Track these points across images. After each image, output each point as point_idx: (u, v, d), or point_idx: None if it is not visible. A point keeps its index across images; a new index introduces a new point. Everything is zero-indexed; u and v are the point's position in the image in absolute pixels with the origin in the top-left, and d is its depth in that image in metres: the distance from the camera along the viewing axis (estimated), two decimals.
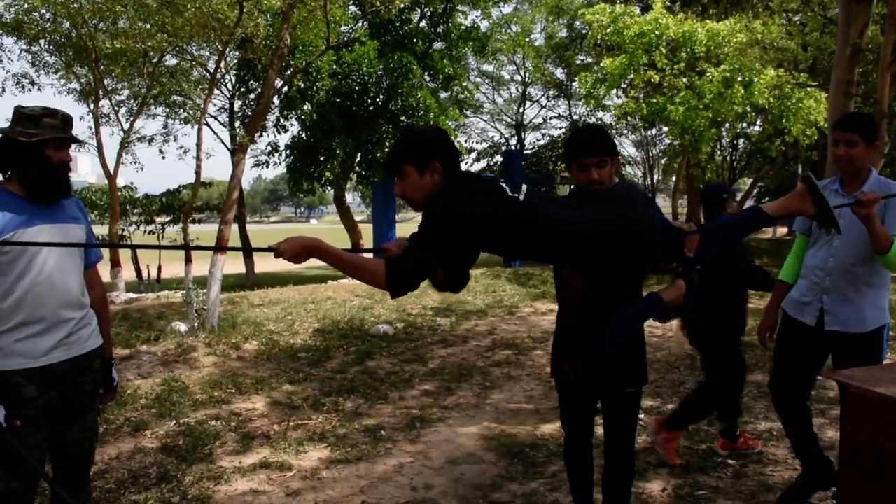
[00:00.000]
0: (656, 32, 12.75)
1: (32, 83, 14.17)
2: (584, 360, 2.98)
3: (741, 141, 24.64)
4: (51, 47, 13.47)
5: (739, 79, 12.62)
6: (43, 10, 11.90)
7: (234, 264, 19.56)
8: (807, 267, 3.66)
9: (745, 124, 18.02)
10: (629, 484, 3.09)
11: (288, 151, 18.05)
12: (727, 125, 17.35)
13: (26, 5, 11.68)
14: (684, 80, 13.33)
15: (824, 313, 3.51)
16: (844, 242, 3.42)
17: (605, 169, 2.88)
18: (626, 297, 2.83)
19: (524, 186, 2.49)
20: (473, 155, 31.33)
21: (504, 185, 2.47)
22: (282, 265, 24.10)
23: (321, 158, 17.35)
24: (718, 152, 24.35)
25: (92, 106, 14.19)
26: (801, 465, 3.88)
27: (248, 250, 3.76)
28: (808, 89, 13.33)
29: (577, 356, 3.01)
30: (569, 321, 3.08)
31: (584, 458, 3.20)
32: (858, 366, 3.17)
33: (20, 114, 2.80)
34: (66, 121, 2.85)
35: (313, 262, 2.62)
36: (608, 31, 13.47)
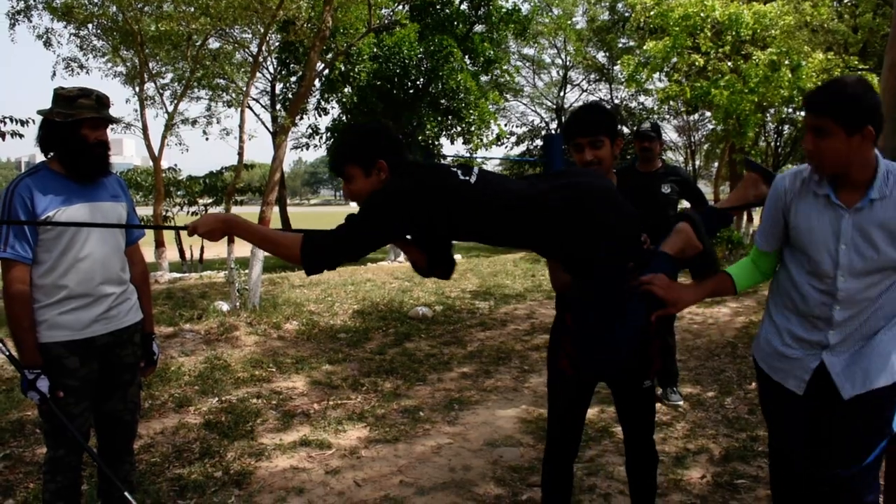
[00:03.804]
0: (701, 15, 12.54)
1: (81, 66, 14.48)
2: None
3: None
4: (98, 31, 13.75)
5: (787, 62, 12.37)
6: None
7: None
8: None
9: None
10: (654, 473, 3.07)
11: (328, 134, 18.15)
12: (773, 110, 17.03)
13: None
14: (729, 63, 13.10)
15: None
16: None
17: (602, 149, 2.74)
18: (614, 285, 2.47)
19: (475, 169, 2.37)
20: (513, 139, 31.24)
21: (455, 169, 2.36)
22: None
23: None
24: (763, 138, 23.93)
25: (137, 89, 14.43)
26: None
27: (160, 228, 3.84)
28: (859, 73, 13.00)
29: (579, 350, 2.83)
30: (566, 314, 2.95)
31: (567, 471, 3.04)
32: None
33: (58, 95, 2.88)
34: (101, 101, 2.91)
35: None
36: (652, 13, 13.28)
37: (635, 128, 5.36)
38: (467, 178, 2.33)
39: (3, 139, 7.47)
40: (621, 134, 2.83)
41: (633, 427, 3.01)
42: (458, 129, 17.74)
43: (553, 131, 30.55)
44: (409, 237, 2.56)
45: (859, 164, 2.24)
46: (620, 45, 25.70)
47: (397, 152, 2.44)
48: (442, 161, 19.99)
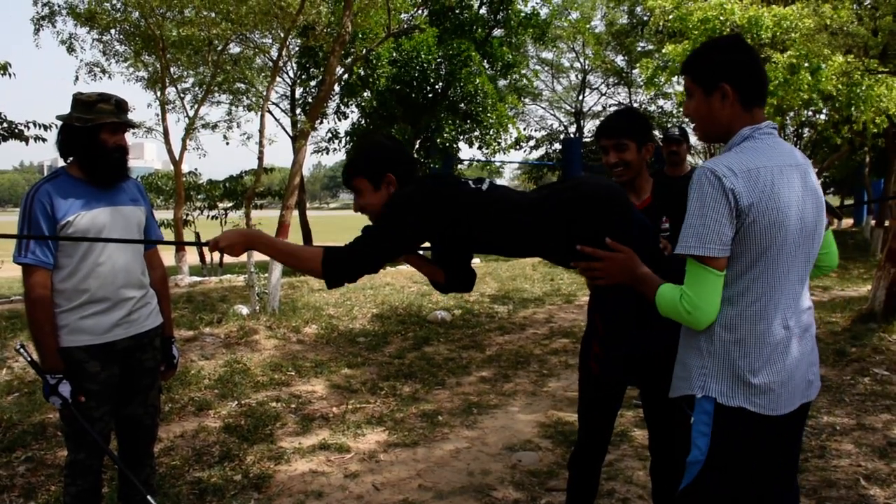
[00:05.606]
0: (721, 18, 12.43)
1: (103, 71, 14.58)
2: (610, 355, 2.88)
3: (806, 130, 23.98)
4: (121, 36, 13.85)
5: (806, 65, 12.24)
6: (114, 0, 12.24)
7: None
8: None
9: (810, 112, 17.50)
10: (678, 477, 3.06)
11: (347, 138, 18.21)
12: (792, 113, 16.89)
13: None
14: None
15: None
16: None
17: (626, 153, 2.77)
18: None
19: (486, 181, 2.40)
20: (532, 142, 31.21)
21: (465, 179, 2.39)
22: None
23: None
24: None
25: (159, 93, 14.52)
26: None
27: (182, 244, 3.92)
28: (879, 76, 12.86)
29: (605, 349, 2.88)
30: (595, 315, 2.97)
31: (593, 476, 3.05)
32: None
33: (77, 100, 2.91)
34: (120, 106, 2.94)
35: None
36: (671, 16, 13.19)
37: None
38: (479, 186, 2.37)
39: (27, 143, 7.57)
40: (652, 139, 2.84)
41: (658, 430, 3.00)
42: (477, 132, 17.74)
43: (572, 135, 30.50)
44: (421, 253, 2.59)
45: (725, 128, 2.10)
46: (639, 49, 25.60)
47: (407, 165, 2.46)
48: (460, 164, 20.03)
